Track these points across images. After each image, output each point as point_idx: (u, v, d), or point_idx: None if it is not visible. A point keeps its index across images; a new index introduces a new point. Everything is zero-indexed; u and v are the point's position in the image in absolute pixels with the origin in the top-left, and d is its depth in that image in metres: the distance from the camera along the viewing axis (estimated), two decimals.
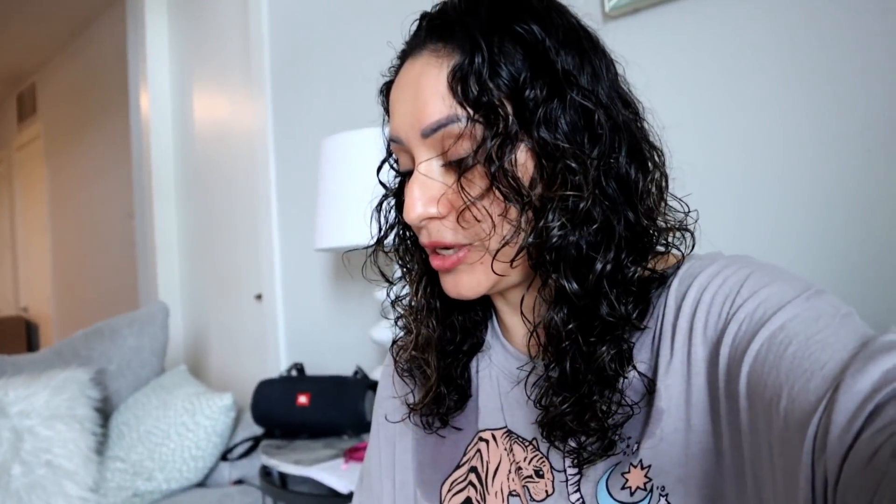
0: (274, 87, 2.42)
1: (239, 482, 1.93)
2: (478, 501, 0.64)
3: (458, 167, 0.54)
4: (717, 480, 0.49)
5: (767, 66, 1.17)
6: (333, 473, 1.43)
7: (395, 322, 0.70)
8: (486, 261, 0.55)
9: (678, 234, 0.58)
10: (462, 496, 0.65)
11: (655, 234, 0.56)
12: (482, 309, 0.69)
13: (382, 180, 0.67)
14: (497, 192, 0.52)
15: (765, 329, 0.45)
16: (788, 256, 1.15)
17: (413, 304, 0.67)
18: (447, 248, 0.57)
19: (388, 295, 0.71)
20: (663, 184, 0.58)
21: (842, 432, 0.37)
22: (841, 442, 0.37)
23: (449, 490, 0.66)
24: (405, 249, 0.67)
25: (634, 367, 0.54)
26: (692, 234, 0.59)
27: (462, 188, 0.53)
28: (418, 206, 0.55)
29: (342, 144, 1.59)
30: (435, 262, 0.58)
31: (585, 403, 0.53)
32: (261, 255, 2.51)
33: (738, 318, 0.48)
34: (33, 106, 5.46)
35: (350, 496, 1.37)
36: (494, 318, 0.68)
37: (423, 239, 0.58)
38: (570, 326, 0.53)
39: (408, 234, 0.66)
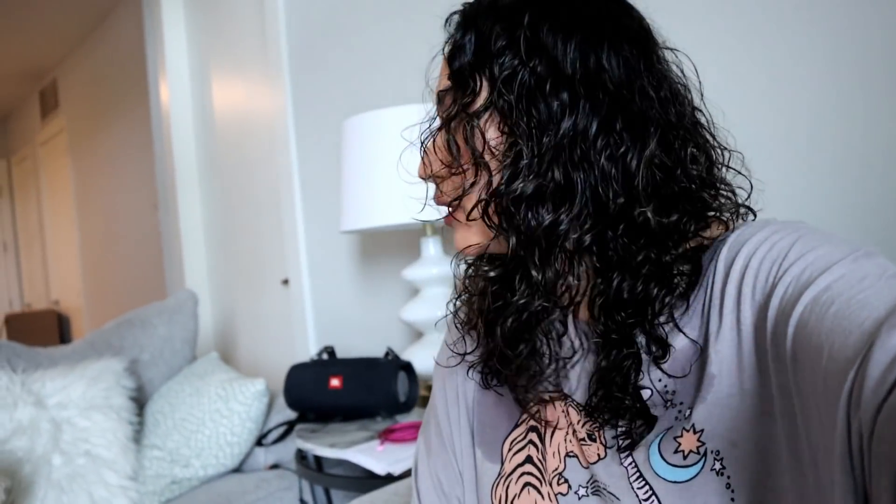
0: (292, 70, 2.41)
1: (275, 467, 1.94)
2: (539, 460, 0.65)
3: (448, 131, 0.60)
4: (771, 443, 0.49)
5: (797, 36, 1.13)
6: (370, 455, 1.43)
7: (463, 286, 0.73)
8: (464, 220, 0.61)
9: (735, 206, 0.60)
10: (523, 454, 0.66)
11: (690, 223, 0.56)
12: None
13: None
14: (461, 152, 0.58)
15: (809, 291, 0.45)
16: (843, 218, 1.12)
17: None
18: (448, 205, 0.62)
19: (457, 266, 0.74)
20: (713, 163, 0.59)
21: (876, 385, 0.36)
22: (875, 395, 0.36)
23: (510, 449, 0.68)
24: None
25: (681, 331, 0.55)
26: (751, 210, 0.61)
27: (447, 149, 0.59)
28: (422, 167, 0.64)
29: (364, 125, 1.58)
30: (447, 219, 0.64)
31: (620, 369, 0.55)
32: (286, 240, 2.51)
33: (785, 282, 0.48)
34: (55, 101, 5.51)
35: (388, 478, 1.37)
36: None
37: (435, 198, 0.64)
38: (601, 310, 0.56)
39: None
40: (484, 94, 0.57)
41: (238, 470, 1.96)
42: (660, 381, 0.56)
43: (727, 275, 0.53)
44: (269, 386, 1.96)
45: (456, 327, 0.73)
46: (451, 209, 0.61)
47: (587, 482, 0.61)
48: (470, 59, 0.57)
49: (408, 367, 1.70)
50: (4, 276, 6.99)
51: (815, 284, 0.45)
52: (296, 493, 1.82)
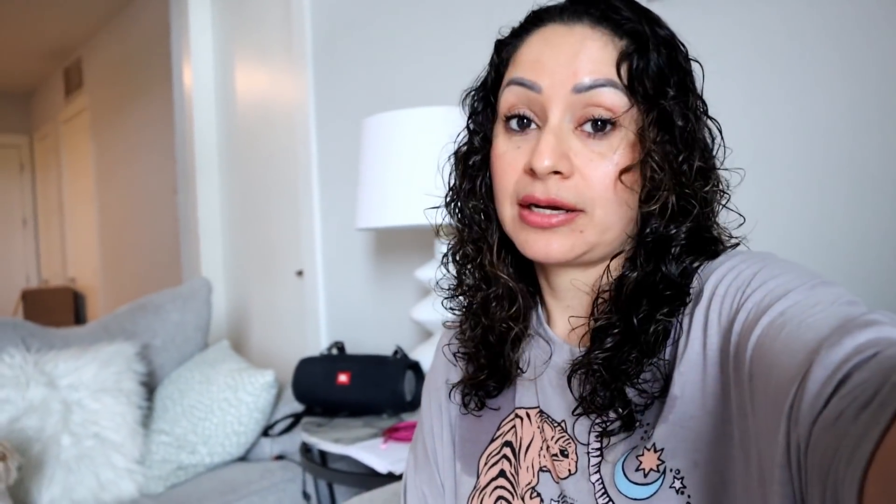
0: (315, 64, 2.41)
1: (280, 457, 1.96)
2: (511, 474, 0.68)
3: (597, 136, 0.57)
4: (730, 464, 0.51)
5: (814, 50, 1.12)
6: (373, 453, 1.44)
7: (450, 296, 0.73)
8: (588, 230, 0.58)
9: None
10: (497, 468, 0.69)
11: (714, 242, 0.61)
12: (524, 306, 0.71)
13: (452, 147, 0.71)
14: (646, 168, 0.56)
15: (767, 315, 0.47)
16: (830, 244, 1.11)
17: (476, 273, 0.69)
18: (557, 208, 0.58)
19: (443, 262, 0.73)
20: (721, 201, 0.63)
21: (813, 400, 0.39)
22: (811, 409, 0.38)
23: (486, 463, 0.71)
24: (478, 211, 0.68)
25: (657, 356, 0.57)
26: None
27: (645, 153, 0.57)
28: (552, 155, 0.56)
29: (383, 124, 1.58)
30: (534, 219, 0.59)
31: (629, 348, 0.56)
32: (302, 232, 2.52)
33: (746, 308, 0.50)
34: (79, 79, 5.55)
35: (389, 476, 1.38)
36: (540, 306, 0.71)
37: (539, 193, 0.58)
38: (644, 295, 0.57)
39: (482, 192, 0.67)
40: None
41: (244, 459, 1.98)
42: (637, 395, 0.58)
43: (696, 301, 0.56)
44: (278, 376, 1.97)
45: (442, 352, 0.78)
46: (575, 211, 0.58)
47: (558, 496, 0.63)
48: (664, 67, 0.57)
49: (415, 367, 1.70)
50: (23, 251, 7.07)
51: (773, 310, 0.47)
52: (299, 484, 1.83)
